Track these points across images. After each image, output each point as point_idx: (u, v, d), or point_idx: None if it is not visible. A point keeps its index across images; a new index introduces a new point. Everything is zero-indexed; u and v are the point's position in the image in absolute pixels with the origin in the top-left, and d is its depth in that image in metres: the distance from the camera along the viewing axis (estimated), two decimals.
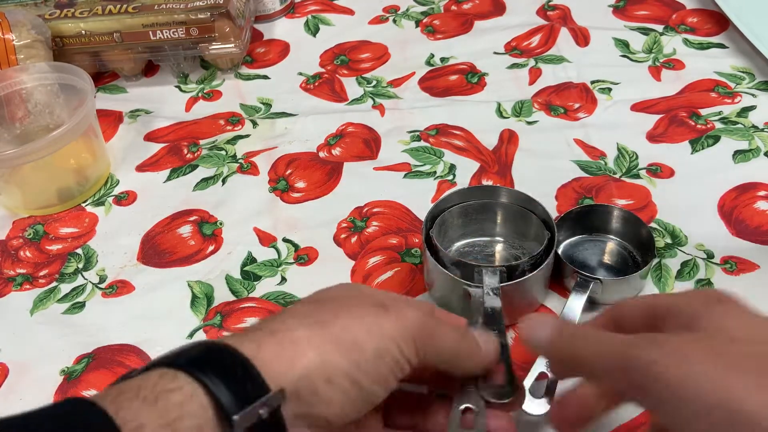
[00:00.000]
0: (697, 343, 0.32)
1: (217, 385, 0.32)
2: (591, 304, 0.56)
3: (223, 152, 0.75)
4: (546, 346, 0.38)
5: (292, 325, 0.36)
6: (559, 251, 0.59)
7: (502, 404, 0.42)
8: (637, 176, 0.67)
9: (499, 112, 0.76)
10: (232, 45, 0.82)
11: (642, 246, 0.59)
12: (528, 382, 0.49)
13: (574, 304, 0.54)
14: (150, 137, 0.78)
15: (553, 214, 0.59)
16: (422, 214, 0.65)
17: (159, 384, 0.32)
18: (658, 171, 0.68)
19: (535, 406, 0.48)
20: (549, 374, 0.49)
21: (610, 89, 0.78)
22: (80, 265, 0.65)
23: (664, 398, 0.30)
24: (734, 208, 0.64)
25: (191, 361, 0.34)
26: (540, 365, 0.50)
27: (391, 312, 0.37)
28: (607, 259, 0.60)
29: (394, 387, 0.37)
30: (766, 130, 0.71)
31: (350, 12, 0.95)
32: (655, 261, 0.58)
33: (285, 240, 0.65)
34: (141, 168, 0.75)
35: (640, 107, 0.75)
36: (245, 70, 0.86)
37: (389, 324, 0.37)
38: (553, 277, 0.58)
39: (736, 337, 0.32)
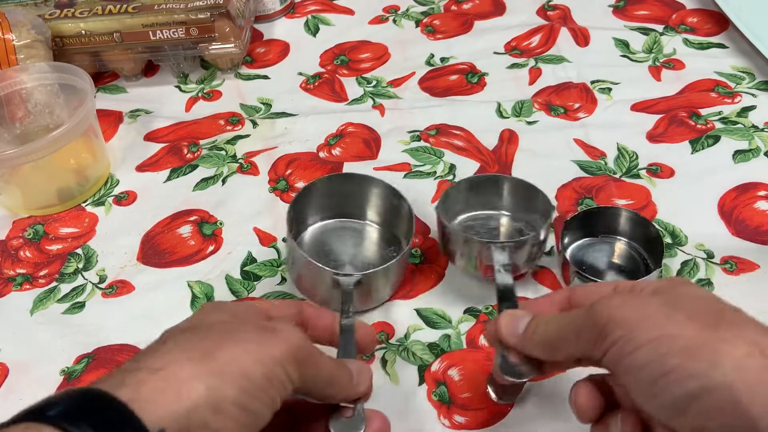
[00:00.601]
0: (649, 297, 0.38)
1: None
2: None
3: (223, 152, 0.75)
4: (522, 336, 0.42)
5: (176, 360, 0.34)
6: (567, 254, 0.59)
7: None
8: (637, 176, 0.67)
9: (499, 112, 0.76)
10: (232, 45, 0.82)
11: (651, 248, 0.59)
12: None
13: None
14: (150, 137, 0.78)
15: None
16: (423, 214, 0.65)
17: None
18: (658, 171, 0.68)
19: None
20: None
21: (610, 89, 0.78)
22: (80, 265, 0.65)
23: (617, 339, 0.35)
24: (734, 208, 0.64)
25: (62, 412, 0.31)
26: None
27: (275, 333, 0.37)
28: (616, 260, 0.60)
29: (278, 407, 0.37)
30: (766, 130, 0.71)
31: (350, 12, 0.95)
32: (661, 269, 0.58)
33: (285, 240, 0.65)
34: (141, 168, 0.75)
35: (640, 107, 0.75)
36: (245, 70, 0.86)
37: (275, 346, 0.36)
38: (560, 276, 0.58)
39: (681, 293, 0.37)
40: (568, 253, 0.60)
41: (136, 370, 0.34)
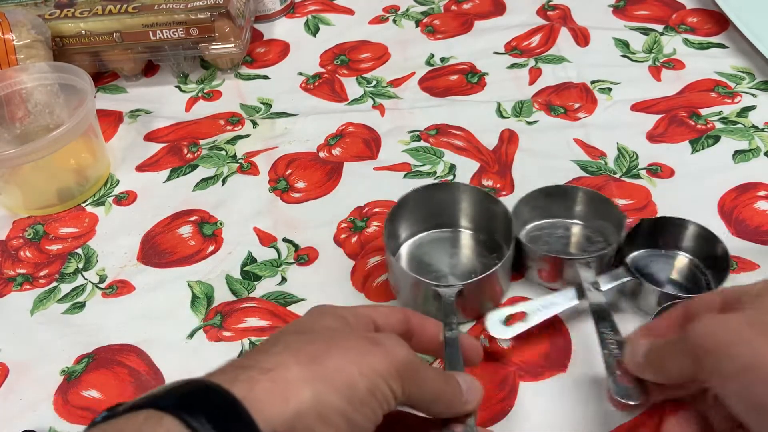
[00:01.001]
0: (739, 316, 0.37)
1: (206, 427, 0.30)
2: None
3: (223, 152, 0.75)
4: (643, 365, 0.43)
5: (286, 362, 0.35)
6: (628, 262, 0.56)
7: None
8: (637, 176, 0.67)
9: (499, 112, 0.76)
10: (232, 45, 0.82)
11: (715, 265, 0.56)
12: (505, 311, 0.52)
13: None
14: (150, 137, 0.78)
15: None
16: None
17: (144, 428, 0.31)
18: (658, 171, 0.68)
19: (499, 331, 0.51)
20: (527, 313, 0.52)
21: (610, 89, 0.78)
22: (80, 265, 0.65)
23: (710, 363, 0.36)
24: (734, 208, 0.64)
25: (179, 402, 0.32)
26: (524, 306, 0.53)
27: (381, 347, 0.37)
28: (675, 275, 0.58)
29: (380, 422, 0.37)
30: (766, 130, 0.71)
31: (350, 12, 0.95)
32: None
33: (285, 240, 0.65)
34: (141, 168, 0.75)
35: (640, 107, 0.75)
36: (245, 70, 0.86)
37: (379, 360, 0.36)
38: (626, 292, 0.57)
39: None
40: (629, 263, 0.57)
41: (248, 368, 0.34)
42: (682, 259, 0.58)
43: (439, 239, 0.62)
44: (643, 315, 0.56)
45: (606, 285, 0.54)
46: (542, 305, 0.53)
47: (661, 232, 0.59)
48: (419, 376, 0.38)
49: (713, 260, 0.56)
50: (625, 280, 0.54)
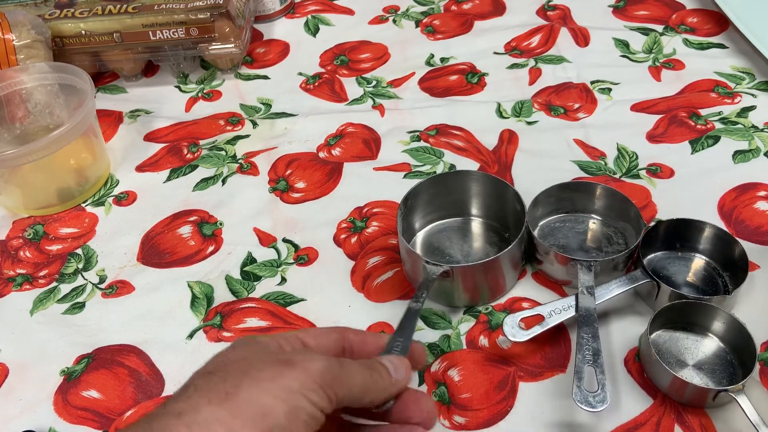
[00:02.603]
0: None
1: None
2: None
3: (223, 152, 0.75)
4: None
5: (198, 404, 0.34)
6: (645, 263, 0.56)
7: None
8: (637, 176, 0.67)
9: (499, 112, 0.76)
10: (232, 45, 0.82)
11: (732, 267, 0.57)
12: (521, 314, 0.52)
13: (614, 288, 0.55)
14: (150, 137, 0.78)
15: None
16: None
17: None
18: (658, 171, 0.68)
19: (512, 331, 0.52)
20: (545, 317, 0.53)
21: (610, 89, 0.78)
22: (80, 266, 0.65)
23: None
24: (734, 209, 0.64)
25: None
26: (543, 309, 0.53)
27: (293, 366, 0.36)
28: (691, 278, 0.58)
29: None
30: (766, 130, 0.71)
31: (350, 12, 0.95)
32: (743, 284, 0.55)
33: (285, 240, 0.65)
34: (141, 168, 0.75)
35: (640, 107, 0.75)
36: (245, 70, 0.86)
37: (295, 380, 0.35)
38: (642, 294, 0.57)
39: None
40: (646, 263, 0.56)
41: (162, 415, 0.34)
42: (699, 261, 0.59)
43: (457, 227, 0.63)
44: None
45: (623, 287, 0.55)
46: (561, 307, 0.53)
47: (678, 234, 0.59)
48: (342, 377, 0.38)
49: (731, 262, 0.56)
50: (643, 282, 0.55)
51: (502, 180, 0.61)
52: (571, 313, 0.53)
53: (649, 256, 0.59)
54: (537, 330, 0.52)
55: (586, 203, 0.62)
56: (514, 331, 0.52)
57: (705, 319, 0.53)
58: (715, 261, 0.58)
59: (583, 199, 0.62)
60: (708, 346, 0.53)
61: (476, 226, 0.63)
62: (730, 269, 0.57)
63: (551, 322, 0.52)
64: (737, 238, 0.57)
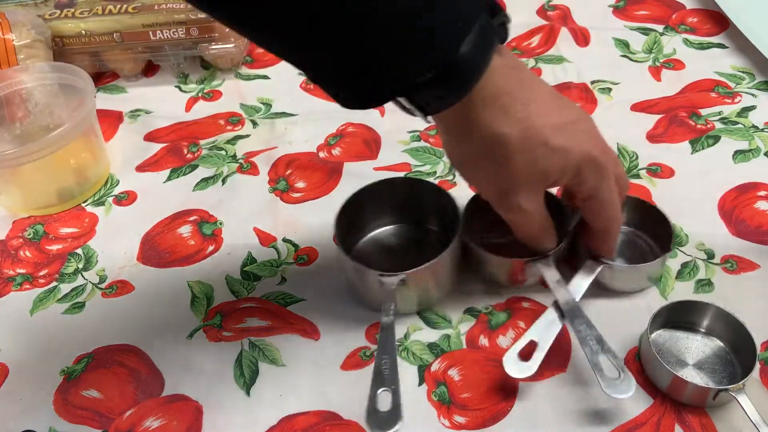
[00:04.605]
0: None
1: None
2: (599, 289, 0.56)
3: (223, 152, 0.75)
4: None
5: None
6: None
7: None
8: (637, 176, 0.67)
9: None
10: (232, 45, 0.82)
11: (659, 238, 0.59)
12: (516, 347, 0.50)
13: (577, 283, 0.54)
14: (150, 137, 0.78)
15: None
16: None
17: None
18: (658, 171, 0.68)
19: (518, 369, 0.49)
20: (537, 341, 0.51)
21: (610, 89, 0.78)
22: (80, 265, 0.65)
23: None
24: (734, 208, 0.64)
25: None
26: (531, 333, 0.51)
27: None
28: (623, 247, 0.60)
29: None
30: (766, 130, 0.71)
31: None
32: (669, 254, 0.58)
33: (285, 240, 0.65)
34: (141, 168, 0.75)
35: (640, 107, 0.75)
36: (245, 70, 0.86)
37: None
38: (568, 259, 0.58)
39: None
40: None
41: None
42: (629, 234, 0.61)
43: (396, 234, 0.63)
44: (619, 295, 0.57)
45: (586, 279, 0.55)
46: (545, 325, 0.52)
47: None
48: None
49: (655, 229, 0.60)
50: (600, 269, 0.55)
51: (434, 184, 0.61)
52: (558, 323, 0.52)
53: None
54: (539, 356, 0.50)
55: None
56: (518, 367, 0.50)
57: (705, 318, 0.53)
58: (643, 231, 0.61)
59: None
60: (708, 345, 0.53)
61: (419, 232, 0.63)
62: (653, 237, 0.60)
63: (547, 342, 0.51)
64: (659, 209, 0.59)
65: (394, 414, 0.45)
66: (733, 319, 0.51)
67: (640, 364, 0.52)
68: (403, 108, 0.44)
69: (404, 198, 0.62)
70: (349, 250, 0.60)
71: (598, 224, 0.52)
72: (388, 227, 0.63)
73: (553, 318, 0.52)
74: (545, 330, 0.52)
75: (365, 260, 0.60)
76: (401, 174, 0.70)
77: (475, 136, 0.45)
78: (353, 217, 0.60)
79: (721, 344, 0.53)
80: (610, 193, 0.50)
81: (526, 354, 0.50)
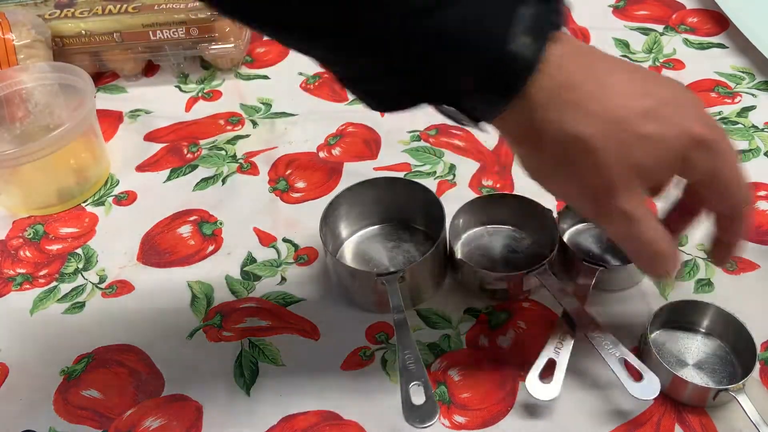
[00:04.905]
0: None
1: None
2: (595, 290, 0.56)
3: (223, 152, 0.75)
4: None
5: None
6: (565, 238, 0.59)
7: None
8: None
9: None
10: (232, 45, 0.82)
11: None
12: (536, 368, 0.50)
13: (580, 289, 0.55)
14: (150, 137, 0.78)
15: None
16: None
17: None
18: None
19: (543, 391, 0.49)
20: (556, 359, 0.50)
21: None
22: (80, 265, 0.65)
23: None
24: None
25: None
26: (548, 352, 0.50)
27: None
28: (612, 245, 0.59)
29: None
30: (766, 130, 0.71)
31: None
32: None
33: (285, 240, 0.65)
34: (141, 168, 0.75)
35: None
36: (245, 70, 0.86)
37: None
38: (561, 264, 0.58)
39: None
40: (566, 237, 0.60)
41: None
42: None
43: (380, 234, 0.63)
44: (618, 296, 0.57)
45: (587, 283, 0.55)
46: (558, 341, 0.51)
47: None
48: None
49: None
50: (598, 271, 0.55)
51: (421, 185, 0.61)
52: (572, 335, 0.52)
53: (568, 231, 0.61)
54: (560, 376, 0.49)
55: (497, 214, 0.62)
56: (543, 390, 0.49)
57: (705, 318, 0.53)
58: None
59: (498, 211, 0.62)
60: (708, 345, 0.53)
61: (403, 231, 0.63)
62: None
63: (564, 358, 0.50)
64: None
65: (431, 406, 0.46)
66: (733, 319, 0.51)
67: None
68: (448, 115, 0.40)
69: (388, 198, 0.62)
70: (335, 252, 0.61)
71: (727, 210, 0.44)
72: (373, 227, 0.63)
73: (565, 330, 0.52)
74: (560, 345, 0.51)
75: (354, 261, 0.60)
76: (401, 174, 0.70)
77: (547, 142, 0.39)
78: (337, 220, 0.61)
79: (721, 344, 0.53)
80: (732, 171, 0.42)
81: (547, 374, 0.49)
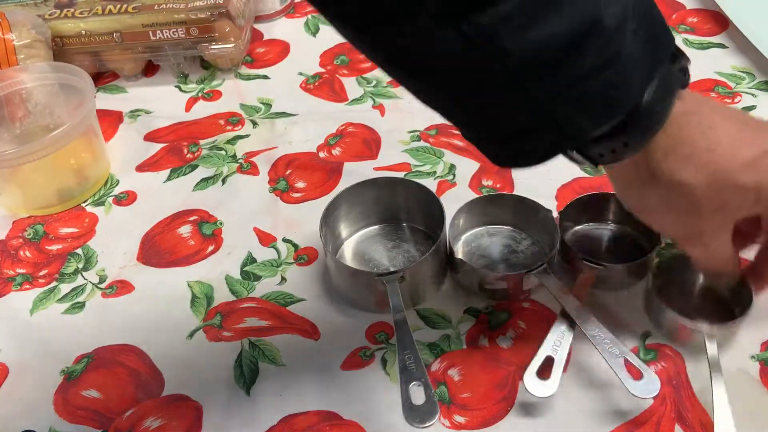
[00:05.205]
0: None
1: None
2: (591, 290, 0.56)
3: (223, 152, 0.75)
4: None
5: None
6: (566, 238, 0.58)
7: None
8: None
9: None
10: (232, 45, 0.82)
11: (645, 232, 0.59)
12: (534, 365, 0.50)
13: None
14: (150, 137, 0.78)
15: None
16: None
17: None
18: None
19: (540, 389, 0.49)
20: (554, 356, 0.50)
21: None
22: (80, 265, 0.65)
23: None
24: None
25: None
26: (546, 349, 0.51)
27: None
28: (612, 245, 0.60)
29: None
30: None
31: None
32: (661, 246, 0.57)
33: (285, 240, 0.65)
34: (141, 168, 0.75)
35: None
36: (245, 70, 0.86)
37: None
38: (562, 263, 0.58)
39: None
40: (567, 238, 0.59)
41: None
42: (616, 231, 0.62)
43: (380, 234, 0.63)
44: (615, 296, 0.57)
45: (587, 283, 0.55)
46: (557, 339, 0.52)
47: (589, 208, 0.61)
48: None
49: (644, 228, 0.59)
50: (598, 270, 0.56)
51: (423, 186, 0.61)
52: (570, 333, 0.52)
53: (570, 231, 0.62)
54: (558, 373, 0.49)
55: (499, 214, 0.62)
56: (540, 387, 0.49)
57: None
58: (629, 226, 0.61)
59: (498, 211, 0.62)
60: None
61: (402, 231, 0.63)
62: (640, 232, 0.60)
63: (563, 355, 0.51)
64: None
65: (431, 406, 0.46)
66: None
67: None
68: (570, 158, 0.44)
69: (388, 198, 0.62)
70: (335, 253, 0.61)
71: None
72: (373, 227, 0.64)
73: (564, 328, 0.52)
74: (559, 342, 0.51)
75: (353, 261, 0.61)
76: (401, 174, 0.70)
77: (655, 186, 0.43)
78: (337, 220, 0.61)
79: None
80: None
81: (545, 371, 0.49)
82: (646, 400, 0.50)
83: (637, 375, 0.48)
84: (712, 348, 0.50)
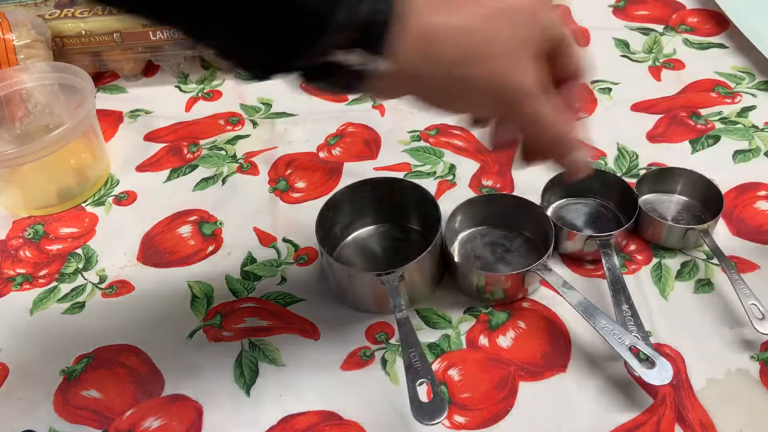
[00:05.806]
0: None
1: None
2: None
3: (223, 152, 0.75)
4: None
5: None
6: (549, 213, 0.61)
7: None
8: (637, 176, 0.67)
9: None
10: None
11: (625, 206, 0.62)
12: None
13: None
14: (150, 137, 0.78)
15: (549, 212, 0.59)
16: None
17: None
18: None
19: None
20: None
21: (610, 89, 0.78)
22: (80, 265, 0.65)
23: None
24: (734, 208, 0.64)
25: None
26: None
27: None
28: (593, 218, 0.63)
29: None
30: (766, 130, 0.71)
31: None
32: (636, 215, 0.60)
33: (285, 240, 0.65)
34: (141, 168, 0.75)
35: (640, 107, 0.75)
36: None
37: None
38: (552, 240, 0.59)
39: None
40: (549, 212, 0.63)
41: None
42: (594, 205, 0.64)
43: (377, 234, 0.63)
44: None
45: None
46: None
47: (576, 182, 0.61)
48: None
49: (623, 202, 0.63)
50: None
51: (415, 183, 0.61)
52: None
53: (553, 206, 0.64)
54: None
55: (497, 215, 0.62)
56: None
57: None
58: (608, 200, 0.64)
59: (495, 211, 0.62)
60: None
61: (399, 231, 0.63)
62: (623, 209, 0.62)
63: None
64: None
65: (439, 402, 0.46)
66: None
67: None
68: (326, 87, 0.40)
69: (384, 198, 0.62)
70: (331, 253, 0.61)
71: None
72: (370, 227, 0.64)
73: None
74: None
75: (351, 262, 0.61)
76: (401, 174, 0.70)
77: (437, 75, 0.40)
78: (334, 220, 0.61)
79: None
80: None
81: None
82: (646, 400, 0.50)
83: (649, 364, 0.48)
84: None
